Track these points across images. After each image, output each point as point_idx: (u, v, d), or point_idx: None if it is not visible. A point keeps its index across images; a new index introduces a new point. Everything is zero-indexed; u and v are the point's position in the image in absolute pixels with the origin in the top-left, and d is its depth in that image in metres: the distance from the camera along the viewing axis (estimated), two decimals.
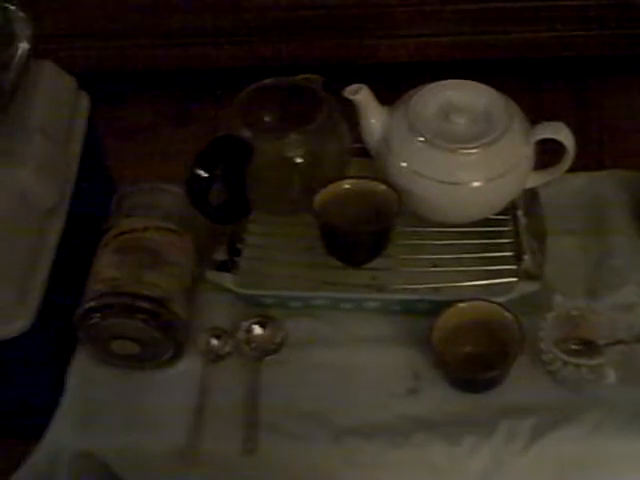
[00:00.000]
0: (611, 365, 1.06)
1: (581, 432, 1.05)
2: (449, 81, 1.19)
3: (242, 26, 1.68)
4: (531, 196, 1.24)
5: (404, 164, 1.14)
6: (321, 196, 1.12)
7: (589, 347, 1.08)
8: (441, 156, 1.13)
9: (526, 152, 1.15)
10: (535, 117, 1.53)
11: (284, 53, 1.64)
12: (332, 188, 1.13)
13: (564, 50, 1.76)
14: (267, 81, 1.19)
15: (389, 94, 1.20)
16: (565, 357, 1.05)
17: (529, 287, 1.14)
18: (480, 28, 1.67)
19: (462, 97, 1.18)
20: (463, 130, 1.14)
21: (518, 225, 1.20)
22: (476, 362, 1.11)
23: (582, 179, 1.34)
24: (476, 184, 1.13)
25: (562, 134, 1.13)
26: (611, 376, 1.05)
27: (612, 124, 1.82)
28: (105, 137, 1.53)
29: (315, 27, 1.65)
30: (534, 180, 1.19)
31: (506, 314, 1.09)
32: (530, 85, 1.84)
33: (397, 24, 1.70)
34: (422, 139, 1.13)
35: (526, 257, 1.16)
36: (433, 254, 1.19)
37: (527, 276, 1.15)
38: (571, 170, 1.31)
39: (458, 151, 1.12)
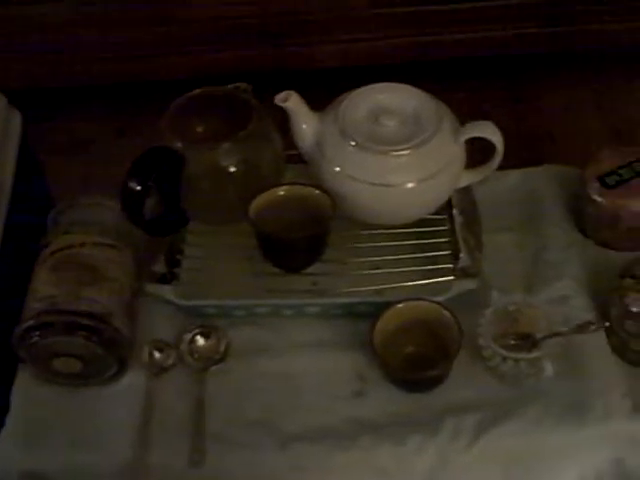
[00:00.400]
0: (548, 358, 1.07)
1: (522, 426, 1.07)
2: (379, 84, 1.21)
3: (177, 37, 1.68)
4: (466, 195, 1.26)
5: (337, 168, 1.15)
6: (256, 204, 1.12)
7: (527, 341, 1.10)
8: (373, 159, 1.14)
9: (456, 151, 1.16)
10: (473, 116, 1.56)
11: (220, 62, 1.64)
12: (267, 195, 1.14)
13: (499, 49, 1.79)
14: (197, 91, 1.19)
15: (325, 99, 1.21)
16: (503, 352, 1.07)
17: (467, 285, 1.16)
18: (415, 30, 1.69)
19: (392, 100, 1.19)
20: (394, 132, 1.15)
21: (454, 224, 1.22)
22: (418, 362, 1.12)
23: (516, 175, 1.36)
24: (409, 185, 1.14)
25: (490, 132, 1.14)
26: (549, 369, 1.07)
27: (550, 120, 1.85)
28: (42, 153, 1.52)
29: (248, 35, 1.66)
30: (467, 179, 1.21)
31: (444, 313, 1.11)
32: (466, 85, 1.87)
33: (329, 29, 1.71)
34: (353, 143, 1.14)
35: (462, 255, 1.18)
36: (372, 256, 1.20)
37: (464, 274, 1.17)
38: (512, 166, 1.34)
39: (389, 153, 1.13)
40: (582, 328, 1.09)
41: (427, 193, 1.16)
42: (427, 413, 1.09)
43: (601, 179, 1.22)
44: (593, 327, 1.09)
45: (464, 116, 1.19)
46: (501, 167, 1.19)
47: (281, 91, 1.15)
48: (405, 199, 1.16)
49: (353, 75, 1.28)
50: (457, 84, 1.86)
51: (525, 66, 1.92)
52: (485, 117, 1.16)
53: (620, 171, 1.22)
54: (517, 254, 1.26)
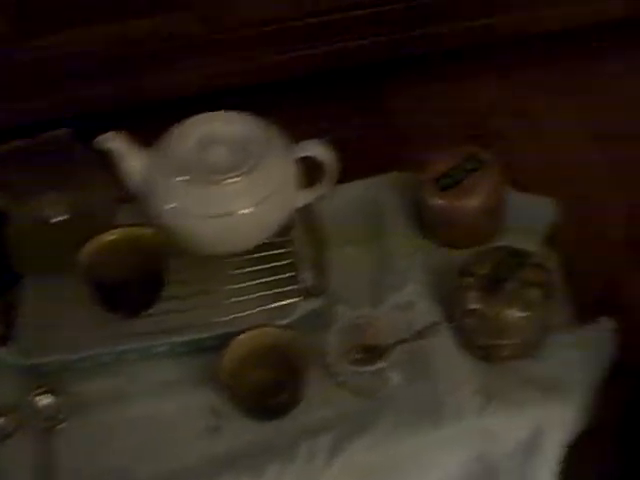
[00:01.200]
0: (394, 367, 1.08)
1: (377, 438, 1.07)
2: (205, 114, 1.20)
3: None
4: (308, 213, 1.25)
5: (170, 205, 1.13)
6: (86, 250, 1.10)
7: (375, 353, 1.10)
8: (205, 191, 1.13)
9: (289, 172, 1.16)
10: (318, 130, 1.57)
11: (54, 106, 1.60)
12: (97, 241, 1.12)
13: (341, 61, 1.80)
14: (16, 143, 1.16)
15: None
16: (349, 367, 1.07)
17: (311, 304, 1.16)
18: (252, 54, 1.69)
19: (220, 128, 1.18)
20: (223, 161, 1.15)
21: (296, 244, 1.21)
22: (271, 388, 1.11)
23: (358, 186, 1.37)
24: (244, 211, 1.13)
25: (319, 151, 1.15)
26: (395, 378, 1.07)
27: (398, 127, 1.86)
28: None
29: (87, 75, 1.62)
30: (304, 198, 1.21)
31: (290, 335, 1.10)
32: (311, 99, 1.87)
33: (177, 57, 1.69)
34: (183, 177, 1.12)
35: (306, 275, 1.18)
36: (218, 288, 1.19)
37: (309, 294, 1.17)
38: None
39: (221, 182, 1.12)
40: (424, 332, 1.10)
41: (264, 217, 1.16)
42: (284, 439, 1.08)
43: (436, 182, 1.23)
44: (435, 329, 1.10)
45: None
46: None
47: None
48: (242, 226, 1.15)
49: (187, 105, 1.26)
50: (300, 100, 1.87)
51: (369, 73, 1.93)
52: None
53: (452, 172, 1.24)
54: (364, 265, 1.26)
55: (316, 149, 1.15)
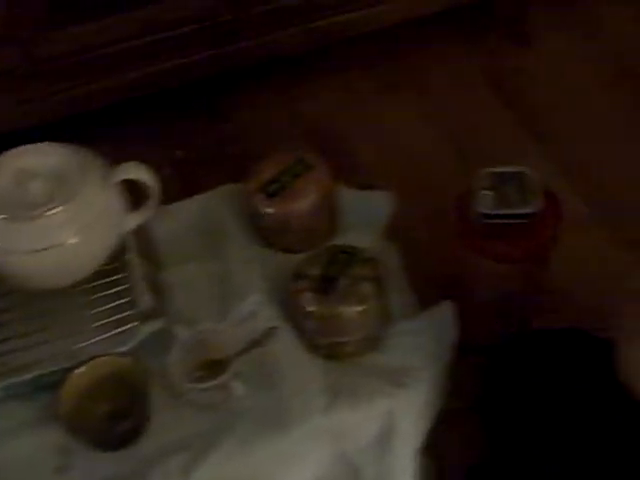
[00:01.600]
0: (239, 377, 1.08)
1: (229, 451, 1.07)
2: (17, 149, 1.17)
3: None
4: (141, 235, 1.24)
5: None
6: None
7: (218, 367, 1.10)
8: (26, 225, 1.10)
9: (110, 198, 1.14)
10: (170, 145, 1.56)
11: None
12: None
13: (177, 79, 1.79)
14: None
15: None
16: (193, 385, 1.06)
17: (151, 327, 1.15)
18: (82, 80, 1.65)
19: (34, 161, 1.15)
20: (41, 194, 1.12)
21: (132, 268, 1.20)
22: (115, 417, 1.09)
23: (193, 203, 1.37)
24: (69, 241, 1.11)
25: (137, 173, 1.14)
26: (239, 389, 1.07)
27: (244, 137, 1.87)
28: None
29: None
30: (133, 220, 1.19)
31: (129, 362, 1.08)
32: (165, 116, 1.86)
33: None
34: (3, 215, 1.09)
35: (143, 298, 1.16)
36: (54, 322, 1.16)
37: (147, 317, 1.15)
38: None
39: (41, 216, 1.09)
40: (262, 339, 1.10)
41: (90, 244, 1.14)
42: (137, 467, 1.06)
43: (263, 189, 1.24)
44: (272, 334, 1.10)
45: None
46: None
47: None
48: (70, 256, 1.13)
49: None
50: (152, 119, 1.86)
51: (214, 88, 1.93)
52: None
53: (280, 178, 1.24)
54: (205, 281, 1.26)
55: (134, 171, 1.14)
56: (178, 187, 1.67)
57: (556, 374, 1.07)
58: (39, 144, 1.17)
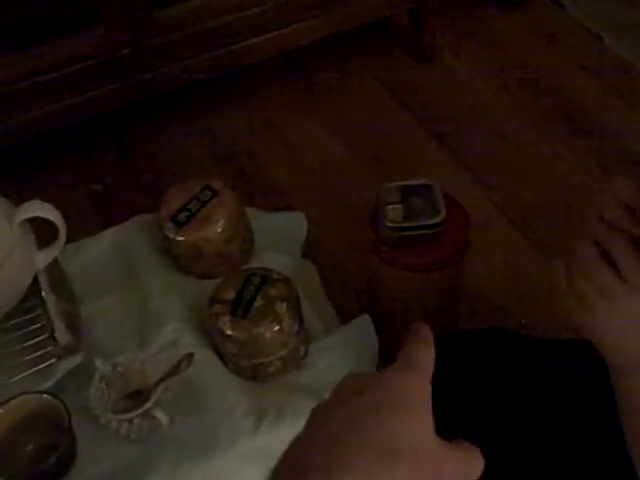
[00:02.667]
0: (162, 405, 1.08)
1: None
2: None
3: None
4: (54, 271, 1.23)
5: None
6: None
7: (140, 397, 1.10)
8: None
9: (17, 236, 1.13)
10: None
11: None
12: None
13: (89, 111, 1.78)
14: None
15: None
16: (114, 416, 1.06)
17: (71, 362, 1.14)
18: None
19: None
20: None
21: (46, 305, 1.19)
22: (39, 454, 1.08)
23: (107, 235, 1.37)
24: None
25: (41, 210, 1.12)
26: (163, 417, 1.07)
27: (159, 169, 1.87)
28: None
29: None
30: (44, 258, 1.18)
31: (49, 398, 1.08)
32: (78, 150, 1.86)
33: None
34: None
35: (59, 334, 1.15)
36: None
37: (66, 352, 1.14)
38: None
39: None
40: (180, 365, 1.11)
41: (1, 284, 1.12)
42: None
43: (173, 218, 1.24)
44: (190, 360, 1.11)
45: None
46: None
47: None
48: None
49: None
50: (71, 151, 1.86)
51: (124, 120, 1.94)
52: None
53: (189, 206, 1.25)
54: (124, 312, 1.26)
55: (37, 209, 1.13)
56: (96, 220, 1.68)
57: (484, 370, 1.09)
58: None
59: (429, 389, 0.54)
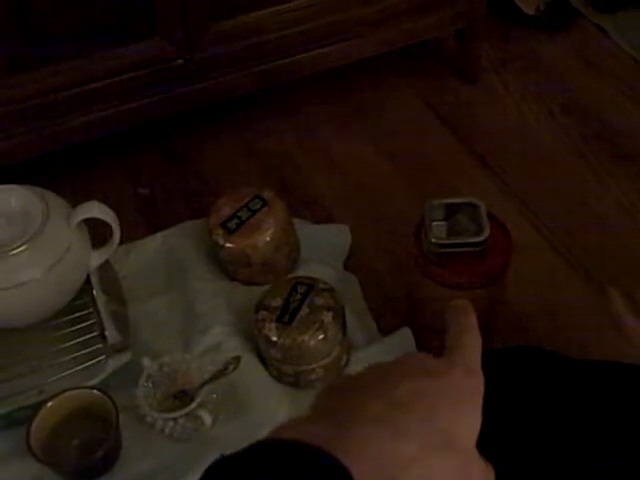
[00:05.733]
0: (206, 407, 1.11)
1: None
2: None
3: None
4: (106, 271, 1.27)
5: None
6: None
7: (185, 397, 1.13)
8: None
9: (73, 236, 1.17)
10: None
11: None
12: None
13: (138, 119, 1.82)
14: None
15: None
16: (160, 415, 1.09)
17: (119, 360, 1.18)
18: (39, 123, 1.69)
19: None
20: (4, 233, 1.14)
21: (97, 304, 1.23)
22: (86, 448, 1.11)
23: (157, 239, 1.40)
24: (35, 279, 1.13)
25: (98, 211, 1.17)
26: (207, 417, 1.10)
27: (207, 177, 1.91)
28: None
29: None
30: (97, 258, 1.22)
31: (97, 395, 1.11)
32: (126, 156, 1.90)
33: None
34: None
35: (109, 333, 1.19)
36: (23, 359, 1.19)
37: (115, 351, 1.18)
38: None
39: (6, 254, 1.12)
40: (225, 368, 1.13)
41: (57, 282, 1.16)
42: None
43: (223, 225, 1.28)
44: (236, 363, 1.14)
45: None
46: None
47: None
48: (36, 294, 1.15)
49: None
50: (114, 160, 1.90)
51: (172, 125, 1.98)
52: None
53: (239, 214, 1.29)
54: (169, 315, 1.29)
55: (94, 210, 1.17)
56: (142, 224, 1.71)
57: (520, 389, 1.10)
58: (2, 186, 1.20)
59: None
